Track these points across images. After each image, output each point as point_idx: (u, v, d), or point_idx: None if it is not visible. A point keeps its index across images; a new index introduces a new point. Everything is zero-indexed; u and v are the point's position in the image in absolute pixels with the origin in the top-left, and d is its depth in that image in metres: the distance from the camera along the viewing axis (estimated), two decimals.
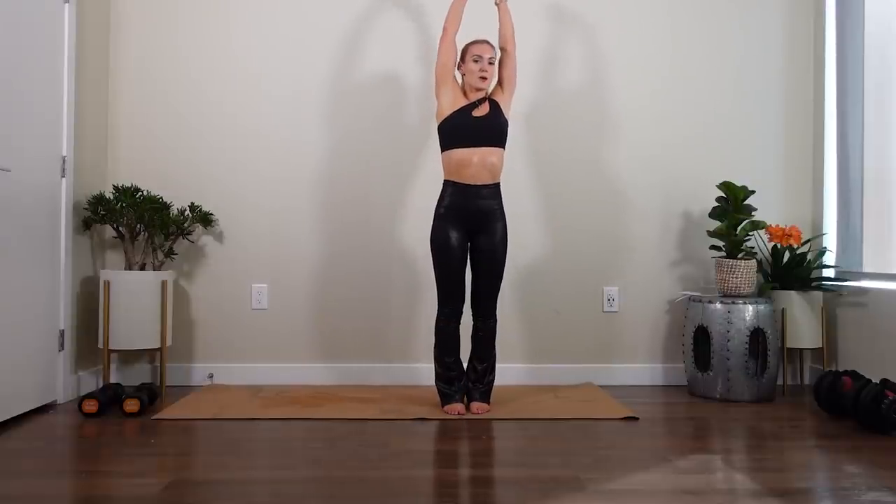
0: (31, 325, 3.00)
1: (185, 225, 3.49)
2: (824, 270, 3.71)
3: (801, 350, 3.76)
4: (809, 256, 3.70)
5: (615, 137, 3.77)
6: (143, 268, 3.41)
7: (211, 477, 2.23)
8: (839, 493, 2.11)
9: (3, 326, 2.80)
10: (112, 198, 3.35)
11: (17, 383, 2.89)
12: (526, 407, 3.15)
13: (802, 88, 3.84)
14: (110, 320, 3.26)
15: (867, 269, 3.44)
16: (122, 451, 2.50)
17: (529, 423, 2.91)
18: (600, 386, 3.64)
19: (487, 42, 3.09)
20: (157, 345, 3.36)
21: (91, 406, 2.95)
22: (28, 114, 2.96)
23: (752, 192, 3.50)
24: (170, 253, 3.52)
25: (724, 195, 3.56)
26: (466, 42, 3.10)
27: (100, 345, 3.32)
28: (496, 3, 3.23)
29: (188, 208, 3.53)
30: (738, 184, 3.58)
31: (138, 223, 3.40)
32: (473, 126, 3.01)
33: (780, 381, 3.59)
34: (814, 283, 3.57)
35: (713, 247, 3.61)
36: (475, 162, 2.98)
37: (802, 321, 3.53)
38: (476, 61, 3.04)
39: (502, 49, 3.17)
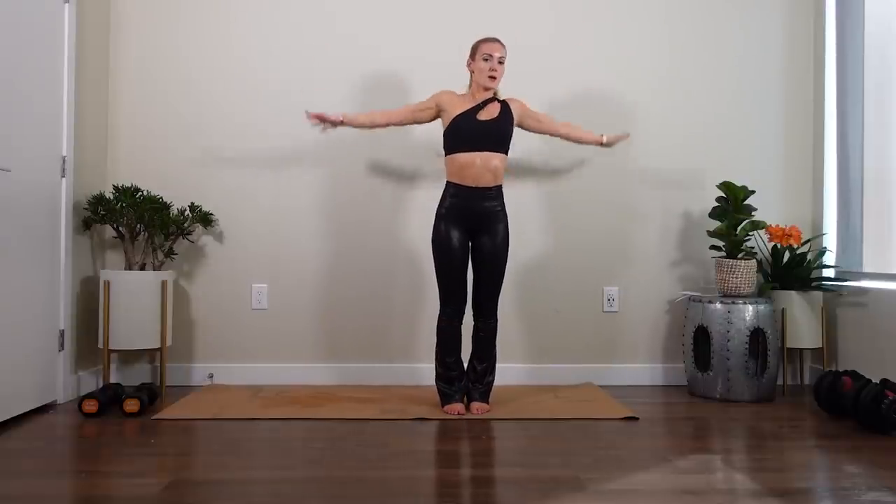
0: (31, 325, 3.00)
1: (185, 225, 3.49)
2: (824, 270, 3.71)
3: (801, 350, 3.76)
4: (809, 256, 3.70)
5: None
6: (143, 268, 3.41)
7: (211, 477, 2.23)
8: (839, 493, 2.11)
9: (3, 326, 2.80)
10: (112, 198, 3.35)
11: (17, 383, 2.89)
12: (526, 407, 3.15)
13: (802, 88, 3.85)
14: (110, 320, 3.26)
15: (867, 269, 3.44)
16: (122, 451, 2.50)
17: (529, 423, 2.91)
18: (600, 386, 3.64)
19: (498, 41, 3.06)
20: (157, 345, 3.36)
21: (91, 406, 2.96)
22: (28, 114, 2.96)
23: (752, 192, 3.50)
24: (170, 253, 3.52)
25: (724, 195, 3.56)
26: (478, 39, 3.08)
27: (100, 345, 3.32)
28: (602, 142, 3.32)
29: (188, 208, 3.53)
30: (738, 184, 3.58)
31: (138, 223, 3.40)
32: (477, 130, 3.00)
33: (780, 381, 3.59)
34: (814, 283, 3.57)
35: (713, 247, 3.61)
36: (478, 164, 2.98)
37: (802, 321, 3.53)
38: (486, 60, 3.01)
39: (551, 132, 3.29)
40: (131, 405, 2.97)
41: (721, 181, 3.60)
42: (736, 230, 3.49)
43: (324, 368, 3.67)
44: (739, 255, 3.50)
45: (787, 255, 3.65)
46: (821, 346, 3.58)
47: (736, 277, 3.43)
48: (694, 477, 2.25)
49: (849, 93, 3.57)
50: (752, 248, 3.63)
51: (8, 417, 2.83)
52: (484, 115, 3.03)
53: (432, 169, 3.69)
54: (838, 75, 3.66)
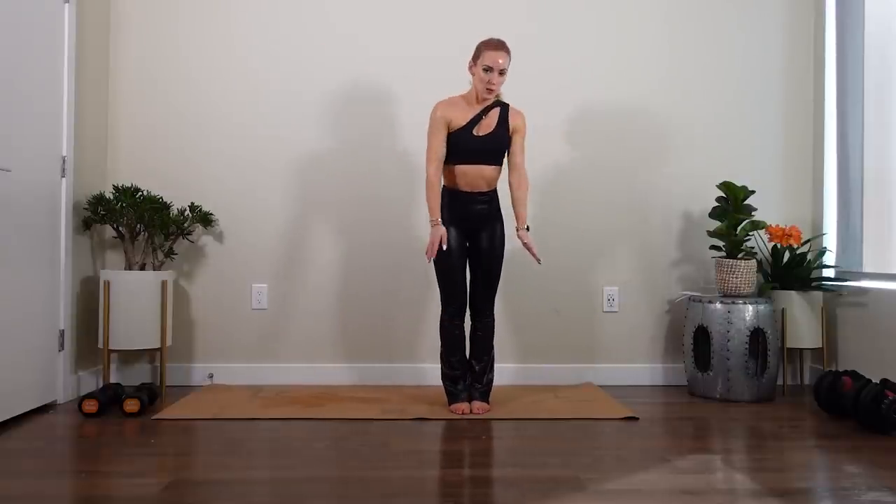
0: (31, 325, 3.00)
1: (185, 225, 3.49)
2: (824, 270, 3.71)
3: (801, 350, 3.76)
4: (809, 256, 3.70)
5: (615, 137, 3.77)
6: (143, 268, 3.41)
7: (211, 477, 2.23)
8: (839, 493, 2.11)
9: (3, 326, 2.80)
10: (112, 198, 3.35)
11: (17, 383, 2.89)
12: (526, 407, 3.16)
13: (802, 88, 3.85)
14: (110, 320, 3.26)
15: (867, 269, 3.44)
16: (122, 451, 2.50)
17: (529, 423, 2.91)
18: (600, 386, 3.65)
19: (503, 48, 2.96)
20: (157, 345, 3.36)
21: (91, 406, 2.96)
22: (28, 114, 2.96)
23: (752, 192, 3.50)
24: (170, 253, 3.52)
25: (724, 195, 3.57)
26: (483, 41, 2.99)
27: (100, 345, 3.32)
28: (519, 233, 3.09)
29: (188, 208, 3.53)
30: (738, 184, 3.58)
31: (138, 223, 3.40)
32: (473, 147, 3.00)
33: (780, 381, 3.59)
34: (814, 283, 3.57)
35: (713, 247, 3.61)
36: (472, 174, 3.02)
37: (802, 321, 3.53)
38: (486, 71, 2.93)
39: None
40: (131, 405, 2.97)
41: (721, 181, 3.60)
42: (736, 230, 3.49)
43: (324, 368, 3.67)
44: (739, 255, 3.50)
45: (787, 255, 3.65)
46: (821, 346, 3.58)
47: (736, 277, 3.43)
48: (694, 477, 2.25)
49: (849, 93, 3.57)
50: (752, 248, 3.63)
51: (8, 417, 2.83)
52: (481, 130, 3.02)
53: None
54: (838, 75, 3.66)
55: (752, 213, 3.53)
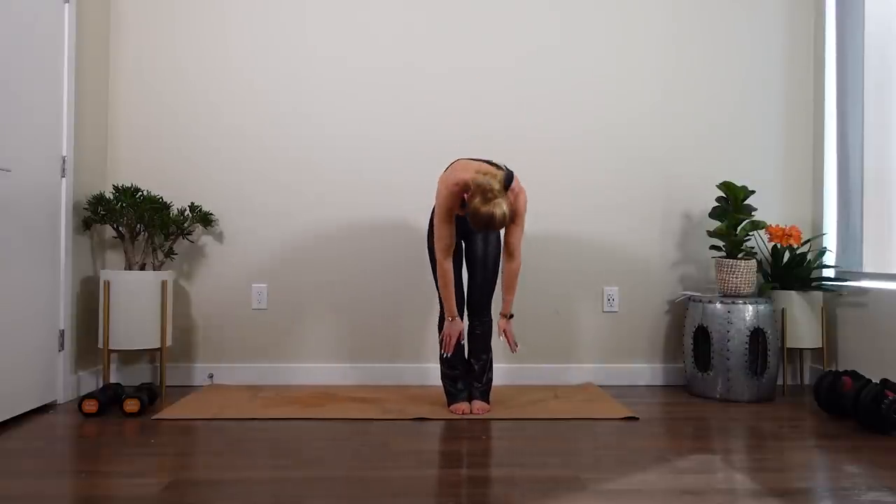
0: (31, 325, 3.00)
1: (185, 225, 3.49)
2: (824, 270, 3.71)
3: (801, 350, 3.76)
4: (809, 256, 3.70)
5: (615, 137, 3.77)
6: (143, 268, 3.41)
7: (211, 477, 2.23)
8: (839, 493, 2.11)
9: (3, 326, 2.80)
10: (112, 198, 3.35)
11: (17, 383, 2.89)
12: (526, 407, 3.16)
13: (802, 88, 3.85)
14: (110, 320, 3.26)
15: (867, 269, 3.44)
16: (122, 451, 2.50)
17: (529, 423, 2.91)
18: (600, 386, 3.65)
19: (492, 225, 2.67)
20: (157, 345, 3.36)
21: (91, 406, 2.96)
22: (28, 114, 2.96)
23: (752, 192, 3.50)
24: (170, 253, 3.52)
25: (724, 195, 3.57)
26: (473, 207, 2.67)
27: (100, 345, 3.32)
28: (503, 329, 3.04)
29: (188, 208, 3.53)
30: (738, 184, 3.58)
31: (138, 223, 3.40)
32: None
33: (780, 381, 3.59)
34: (814, 283, 3.57)
35: (713, 247, 3.61)
36: None
37: (802, 321, 3.53)
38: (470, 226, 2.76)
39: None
40: (131, 405, 2.97)
41: (721, 181, 3.60)
42: (736, 230, 3.49)
43: (324, 368, 3.67)
44: (739, 255, 3.50)
45: (787, 255, 3.65)
46: (821, 346, 3.58)
47: (736, 277, 3.43)
48: (694, 477, 2.25)
49: (849, 93, 3.57)
50: (752, 248, 3.63)
51: (8, 417, 2.83)
52: None
53: (434, 166, 3.70)
54: (838, 75, 3.66)
55: (752, 213, 3.53)
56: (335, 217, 3.70)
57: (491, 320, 3.13)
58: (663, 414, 3.14)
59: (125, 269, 3.42)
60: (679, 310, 3.77)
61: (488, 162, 2.93)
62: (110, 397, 3.05)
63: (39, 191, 3.05)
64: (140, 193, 3.41)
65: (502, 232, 3.06)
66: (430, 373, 3.62)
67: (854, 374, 3.05)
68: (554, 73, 3.75)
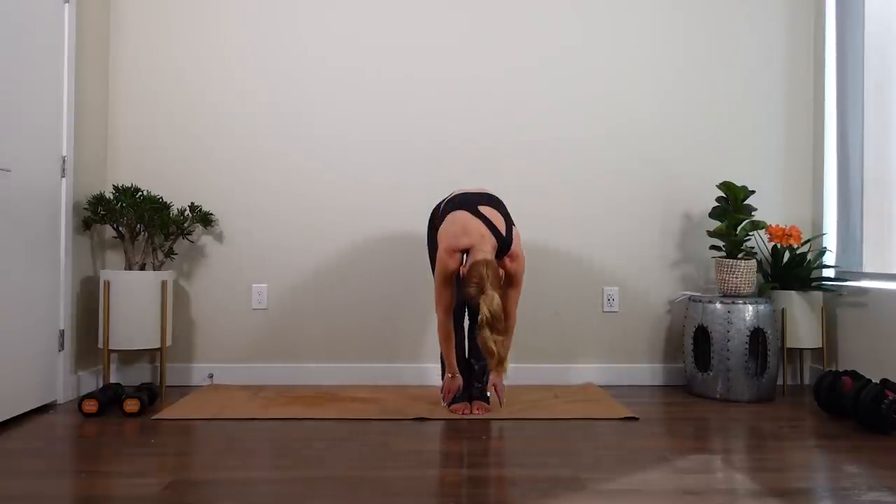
0: (31, 325, 3.00)
1: (185, 225, 3.49)
2: (824, 270, 3.71)
3: (801, 350, 3.76)
4: (809, 256, 3.70)
5: (615, 137, 3.77)
6: (143, 268, 3.41)
7: (211, 477, 2.23)
8: (839, 493, 2.11)
9: (3, 326, 2.80)
10: (112, 198, 3.35)
11: (17, 383, 2.89)
12: (526, 407, 3.15)
13: (802, 88, 3.85)
14: (110, 320, 3.26)
15: (867, 269, 3.44)
16: (122, 451, 2.50)
17: (529, 423, 2.91)
18: (600, 386, 3.65)
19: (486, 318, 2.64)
20: (157, 345, 3.36)
21: (91, 406, 2.96)
22: (28, 114, 2.96)
23: (752, 192, 3.50)
24: (170, 253, 3.52)
25: (724, 195, 3.57)
26: (469, 264, 2.74)
27: (100, 345, 3.32)
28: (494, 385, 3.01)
29: (188, 208, 3.53)
30: (738, 184, 3.58)
31: (138, 223, 3.40)
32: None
33: (780, 381, 3.59)
34: (814, 283, 3.57)
35: (713, 247, 3.61)
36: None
37: (802, 321, 3.53)
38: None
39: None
40: (131, 405, 2.97)
41: (721, 181, 3.60)
42: (736, 230, 3.49)
43: (324, 368, 3.67)
44: (739, 255, 3.50)
45: (787, 255, 3.65)
46: (821, 346, 3.58)
47: (736, 277, 3.43)
48: (694, 477, 2.25)
49: (849, 93, 3.57)
50: (752, 248, 3.63)
51: (8, 417, 2.83)
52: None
53: (434, 166, 3.70)
54: (838, 75, 3.66)
55: (752, 213, 3.53)
56: (335, 218, 3.70)
57: None
58: (663, 414, 3.14)
59: (125, 269, 3.42)
60: (679, 310, 3.77)
61: (488, 198, 2.90)
62: (110, 397, 3.05)
63: (39, 191, 3.05)
64: (140, 193, 3.41)
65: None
66: (430, 373, 3.62)
67: (854, 374, 3.05)
68: (555, 75, 3.75)
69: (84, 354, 3.40)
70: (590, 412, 3.07)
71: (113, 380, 3.55)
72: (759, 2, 3.83)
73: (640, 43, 3.79)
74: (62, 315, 3.21)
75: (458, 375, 3.03)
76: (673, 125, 3.79)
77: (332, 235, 3.70)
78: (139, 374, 3.63)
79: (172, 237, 3.49)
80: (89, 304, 3.43)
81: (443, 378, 3.12)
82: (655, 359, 3.78)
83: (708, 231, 3.61)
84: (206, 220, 3.57)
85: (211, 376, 3.63)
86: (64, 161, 3.22)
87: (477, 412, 3.03)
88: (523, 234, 3.61)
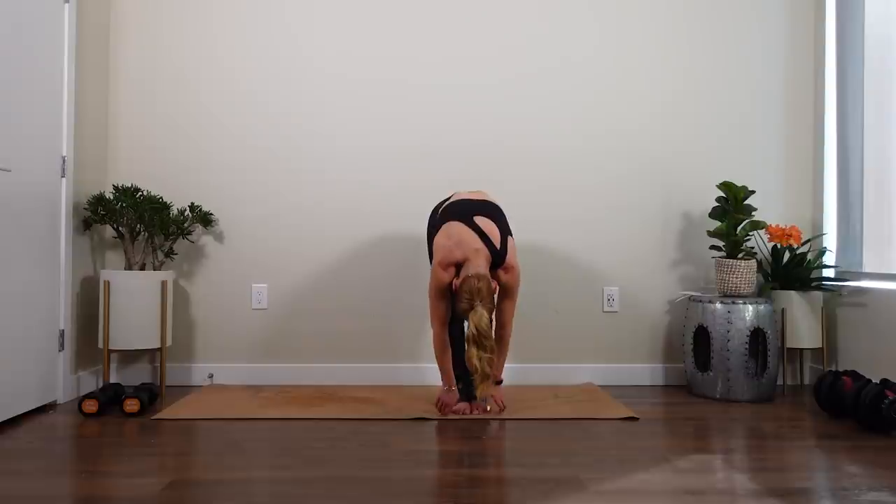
0: (31, 325, 3.00)
1: (185, 225, 3.49)
2: (824, 270, 3.71)
3: (801, 350, 3.76)
4: (809, 256, 3.70)
5: (615, 137, 3.77)
6: (143, 268, 3.41)
7: (211, 477, 2.23)
8: (839, 493, 2.11)
9: (3, 326, 2.80)
10: (112, 198, 3.35)
11: (17, 383, 2.89)
12: (526, 407, 3.15)
13: (802, 89, 3.85)
14: (110, 320, 3.26)
15: (867, 269, 3.44)
16: (122, 451, 2.50)
17: (529, 423, 2.91)
18: (600, 386, 3.65)
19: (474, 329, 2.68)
20: (157, 345, 3.36)
21: (91, 406, 2.96)
22: (28, 114, 2.96)
23: (752, 192, 3.50)
24: (170, 253, 3.52)
25: (724, 195, 3.57)
26: (464, 277, 2.75)
27: (100, 345, 3.32)
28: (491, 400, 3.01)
29: (188, 208, 3.53)
30: (738, 184, 3.57)
31: (138, 223, 3.40)
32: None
33: (780, 381, 3.59)
34: (814, 283, 3.57)
35: (713, 247, 3.61)
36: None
37: (802, 321, 3.53)
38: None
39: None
40: (131, 405, 2.97)
41: (721, 181, 3.60)
42: (736, 230, 3.49)
43: (324, 368, 3.67)
44: (739, 255, 3.50)
45: (787, 255, 3.65)
46: (821, 346, 3.58)
47: (736, 277, 3.43)
48: (694, 477, 2.25)
49: (849, 93, 3.57)
50: (752, 248, 3.63)
51: (8, 417, 2.83)
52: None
53: (433, 165, 3.70)
54: (838, 76, 3.66)
55: (752, 213, 3.53)
56: (335, 218, 3.70)
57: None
58: (663, 414, 3.14)
59: (125, 269, 3.42)
60: (679, 310, 3.77)
61: (483, 206, 2.90)
62: (110, 397, 3.05)
63: (39, 191, 3.05)
64: (140, 193, 3.41)
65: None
66: (430, 373, 3.62)
67: (854, 374, 3.05)
68: (553, 72, 3.75)
69: (84, 354, 3.40)
70: (590, 412, 3.07)
71: (113, 380, 3.55)
72: (760, 2, 3.83)
73: (640, 44, 3.79)
74: (62, 315, 3.21)
75: (454, 388, 3.02)
76: (673, 125, 3.79)
77: (333, 236, 3.70)
78: (139, 374, 3.63)
79: (172, 237, 3.49)
80: (89, 304, 3.43)
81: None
82: (655, 359, 3.78)
83: (708, 231, 3.61)
84: (206, 220, 3.57)
85: (211, 376, 3.63)
86: (64, 161, 3.22)
87: (477, 412, 3.03)
88: (523, 236, 3.61)
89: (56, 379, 3.18)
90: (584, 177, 3.76)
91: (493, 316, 2.88)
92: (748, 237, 3.52)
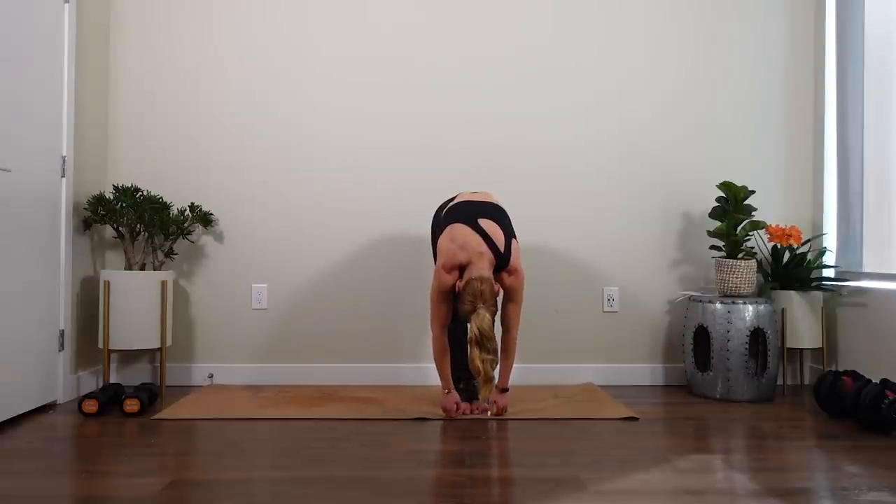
0: (31, 325, 3.00)
1: (185, 225, 3.49)
2: (824, 270, 3.71)
3: (801, 350, 3.76)
4: (809, 256, 3.70)
5: (615, 137, 3.77)
6: (143, 268, 3.41)
7: (211, 477, 2.23)
8: (839, 493, 2.11)
9: (3, 326, 2.80)
10: (112, 198, 3.35)
11: (17, 383, 2.89)
12: (526, 407, 3.15)
13: (802, 88, 3.84)
14: (110, 320, 3.26)
15: (867, 269, 3.44)
16: (122, 451, 2.50)
17: (529, 423, 2.91)
18: (600, 386, 3.65)
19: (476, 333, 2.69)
20: (157, 345, 3.36)
21: (91, 406, 2.96)
22: (28, 114, 2.96)
23: (752, 192, 3.50)
24: (170, 253, 3.52)
25: (724, 195, 3.57)
26: (467, 280, 2.76)
27: (100, 345, 3.32)
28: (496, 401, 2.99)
29: (188, 208, 3.53)
30: (738, 184, 3.57)
31: (138, 223, 3.39)
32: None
33: (780, 381, 3.59)
34: (814, 283, 3.57)
35: (713, 247, 3.61)
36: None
37: (802, 321, 3.53)
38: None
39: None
40: (131, 405, 2.97)
41: (721, 181, 3.60)
42: (736, 230, 3.49)
43: (324, 368, 3.67)
44: (739, 255, 3.50)
45: (787, 255, 3.65)
46: (821, 346, 3.58)
47: (736, 277, 3.43)
48: (694, 477, 2.25)
49: (849, 93, 3.57)
50: (752, 248, 3.63)
51: (8, 417, 2.83)
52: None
53: (433, 165, 3.70)
54: (838, 76, 3.66)
55: (752, 213, 3.53)
56: (335, 217, 3.70)
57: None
58: (663, 414, 3.14)
59: (125, 269, 3.42)
60: (679, 310, 3.77)
61: (487, 209, 2.90)
62: (110, 397, 3.05)
63: (39, 191, 3.05)
64: (140, 193, 3.41)
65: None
66: (430, 373, 3.61)
67: (854, 374, 3.05)
68: (554, 72, 3.75)
69: (84, 354, 3.40)
70: (590, 412, 3.07)
71: (113, 380, 3.55)
72: (760, 3, 3.83)
73: (641, 44, 3.79)
74: (62, 315, 3.21)
75: (453, 392, 3.01)
76: (673, 125, 3.79)
77: (333, 236, 3.70)
78: (139, 374, 3.63)
79: (172, 237, 3.49)
80: (89, 304, 3.43)
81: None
82: (655, 359, 3.78)
83: (708, 231, 3.61)
84: (206, 220, 3.57)
85: (211, 376, 3.63)
86: (64, 161, 3.22)
87: (477, 412, 3.03)
88: (524, 236, 3.60)
89: (56, 379, 3.18)
90: (584, 177, 3.76)
91: (497, 320, 2.87)
92: (748, 237, 3.52)
